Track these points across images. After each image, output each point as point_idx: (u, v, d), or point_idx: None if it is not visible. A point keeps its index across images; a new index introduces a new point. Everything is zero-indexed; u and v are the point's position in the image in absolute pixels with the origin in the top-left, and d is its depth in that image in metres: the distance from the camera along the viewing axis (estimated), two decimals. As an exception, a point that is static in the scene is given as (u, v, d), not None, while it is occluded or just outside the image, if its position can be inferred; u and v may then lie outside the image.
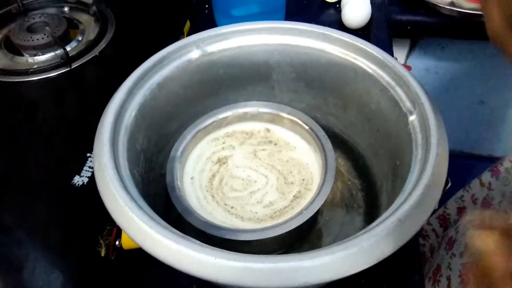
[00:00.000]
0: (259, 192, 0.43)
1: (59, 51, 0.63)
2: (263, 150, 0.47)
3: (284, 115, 0.48)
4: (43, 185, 0.47)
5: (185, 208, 0.39)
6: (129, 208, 0.31)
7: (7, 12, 0.72)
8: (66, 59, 0.61)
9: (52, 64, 0.62)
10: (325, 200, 0.39)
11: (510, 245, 0.23)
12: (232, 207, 0.42)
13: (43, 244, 0.43)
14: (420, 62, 0.93)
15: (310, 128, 0.46)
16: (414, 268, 0.43)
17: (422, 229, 0.72)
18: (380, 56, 0.42)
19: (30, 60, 0.63)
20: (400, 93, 0.40)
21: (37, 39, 0.63)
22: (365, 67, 0.43)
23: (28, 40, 0.63)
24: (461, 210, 0.66)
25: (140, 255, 0.32)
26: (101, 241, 0.43)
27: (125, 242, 0.43)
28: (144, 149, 0.42)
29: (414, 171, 0.34)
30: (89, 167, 0.48)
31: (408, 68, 0.51)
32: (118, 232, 0.44)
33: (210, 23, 0.75)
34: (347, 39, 0.44)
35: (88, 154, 0.49)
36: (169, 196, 0.40)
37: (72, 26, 0.69)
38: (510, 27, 0.29)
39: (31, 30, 0.66)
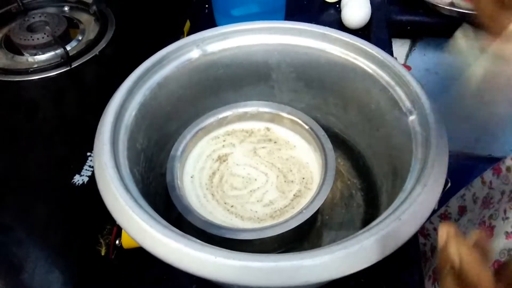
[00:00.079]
0: (259, 190, 0.43)
1: (59, 51, 0.63)
2: (263, 148, 0.47)
3: (284, 114, 0.48)
4: (43, 185, 0.47)
5: (185, 207, 0.39)
6: (129, 207, 0.31)
7: (7, 11, 0.72)
8: (66, 59, 0.61)
9: (52, 63, 0.62)
10: (325, 200, 0.39)
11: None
12: (232, 206, 0.42)
13: (44, 244, 0.43)
14: (420, 62, 0.93)
15: (310, 127, 0.46)
16: (413, 268, 0.43)
17: (423, 228, 0.72)
18: (380, 56, 0.42)
19: (30, 59, 0.63)
20: (400, 93, 0.40)
21: (37, 39, 0.63)
22: (365, 67, 0.44)
23: (28, 40, 0.63)
24: (462, 209, 0.66)
25: (140, 254, 0.32)
26: (101, 240, 0.43)
27: (125, 241, 0.43)
28: (144, 148, 0.42)
29: (414, 171, 0.34)
30: (89, 166, 0.48)
31: (408, 68, 0.51)
32: (118, 231, 0.44)
33: (210, 23, 0.75)
34: (347, 39, 0.44)
35: (88, 154, 0.49)
36: (169, 195, 0.40)
37: (72, 26, 0.69)
38: (498, 2, 0.29)
39: (31, 29, 0.66)
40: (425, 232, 0.72)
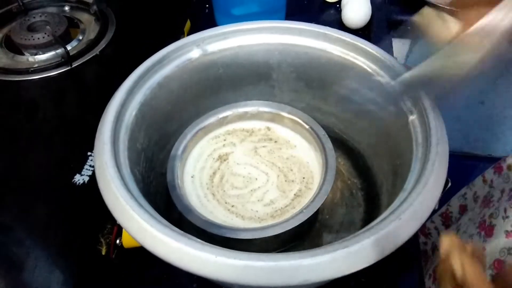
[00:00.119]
0: (260, 190, 0.43)
1: (59, 50, 0.63)
2: (263, 147, 0.47)
3: (285, 114, 0.48)
4: (44, 184, 0.47)
5: (185, 207, 0.39)
6: (130, 206, 0.31)
7: (7, 11, 0.72)
8: (67, 58, 0.61)
9: (52, 63, 0.62)
10: (326, 199, 0.39)
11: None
12: (232, 206, 0.42)
13: (44, 243, 0.43)
14: (420, 62, 0.93)
15: (311, 127, 0.46)
16: (414, 267, 0.43)
17: (424, 227, 0.73)
18: (380, 56, 0.42)
19: (31, 59, 0.63)
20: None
21: (38, 38, 0.63)
22: (365, 67, 0.44)
23: (29, 39, 0.63)
24: (463, 208, 0.66)
25: (141, 254, 0.32)
26: (102, 240, 0.43)
27: (126, 241, 0.43)
28: (145, 148, 0.42)
29: (414, 170, 0.34)
30: (90, 166, 0.48)
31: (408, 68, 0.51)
32: (118, 230, 0.44)
33: (211, 23, 0.75)
34: (347, 39, 0.44)
35: (89, 153, 0.49)
36: (170, 195, 0.41)
37: (72, 25, 0.69)
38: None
39: (31, 29, 0.66)
40: (426, 231, 0.72)
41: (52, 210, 0.45)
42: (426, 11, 0.34)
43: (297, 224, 0.37)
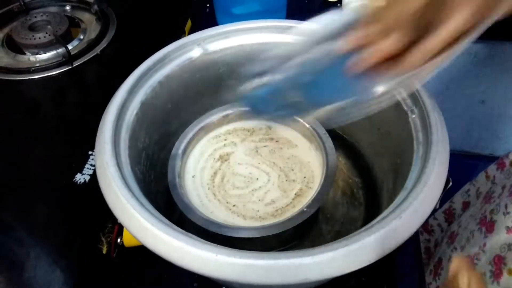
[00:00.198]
0: (261, 189, 0.43)
1: (60, 50, 0.63)
2: (264, 146, 0.47)
3: (285, 113, 0.48)
4: (45, 183, 0.47)
5: (186, 206, 0.39)
6: (131, 205, 0.31)
7: (9, 10, 0.72)
8: (68, 58, 0.61)
9: (53, 62, 0.62)
10: (327, 198, 0.39)
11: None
12: (234, 205, 0.42)
13: (45, 242, 0.43)
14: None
15: (311, 126, 0.46)
16: (414, 266, 0.43)
17: (427, 224, 0.73)
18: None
19: (32, 58, 0.63)
20: (401, 92, 0.40)
21: (39, 38, 0.63)
22: (366, 66, 0.43)
23: (30, 39, 0.63)
24: (466, 204, 0.66)
25: (142, 253, 0.32)
26: (103, 239, 0.43)
27: (127, 240, 0.43)
28: (146, 147, 0.42)
29: (414, 169, 0.34)
30: (91, 165, 0.48)
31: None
32: (119, 229, 0.44)
33: (211, 22, 0.75)
34: (348, 38, 0.44)
35: (90, 152, 0.49)
36: (170, 194, 0.41)
37: (73, 25, 0.69)
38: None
39: (33, 28, 0.66)
40: (429, 228, 0.72)
41: (53, 209, 0.45)
42: None
43: (298, 223, 0.37)
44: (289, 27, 0.46)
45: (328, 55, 0.34)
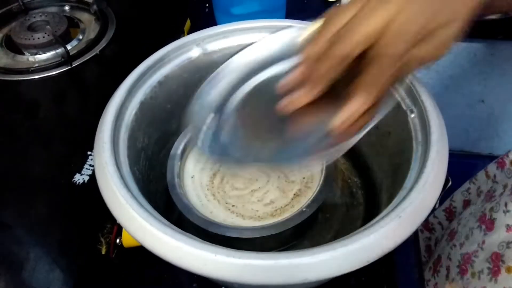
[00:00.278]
0: (260, 190, 0.43)
1: (59, 50, 0.63)
2: (264, 148, 0.47)
3: (284, 113, 0.48)
4: (44, 184, 0.47)
5: (185, 206, 0.39)
6: (130, 205, 0.31)
7: (8, 10, 0.72)
8: (67, 58, 0.61)
9: (52, 62, 0.62)
10: (326, 198, 0.39)
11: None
12: (233, 206, 0.42)
13: (44, 242, 0.43)
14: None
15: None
16: (414, 265, 0.43)
17: (428, 222, 0.73)
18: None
19: (31, 58, 0.63)
20: (400, 91, 0.40)
21: (38, 38, 0.63)
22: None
23: (29, 39, 0.63)
24: (467, 203, 0.66)
25: (141, 253, 0.32)
26: (102, 239, 0.43)
27: (126, 240, 0.43)
28: (145, 147, 0.42)
29: (414, 168, 0.34)
30: (90, 165, 0.48)
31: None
32: (118, 230, 0.44)
33: (211, 22, 0.75)
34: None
35: (89, 152, 0.49)
36: (169, 194, 0.40)
37: (72, 25, 0.69)
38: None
39: (32, 29, 0.66)
40: (429, 226, 0.73)
41: (52, 210, 0.45)
42: None
43: (298, 222, 0.37)
44: (289, 27, 0.46)
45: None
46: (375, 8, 0.29)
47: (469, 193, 0.66)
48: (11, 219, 0.44)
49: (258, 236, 0.37)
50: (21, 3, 0.71)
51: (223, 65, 0.41)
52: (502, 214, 0.50)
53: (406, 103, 0.39)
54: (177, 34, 0.68)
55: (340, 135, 0.33)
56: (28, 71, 0.61)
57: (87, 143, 0.41)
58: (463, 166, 0.71)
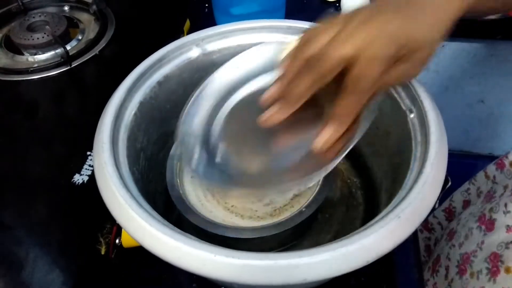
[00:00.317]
0: (259, 190, 0.43)
1: (59, 50, 0.63)
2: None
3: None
4: (43, 184, 0.47)
5: (185, 206, 0.39)
6: (129, 205, 0.31)
7: (7, 11, 0.72)
8: (66, 58, 0.61)
9: (52, 63, 0.62)
10: (325, 198, 0.39)
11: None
12: (232, 206, 0.42)
13: (43, 243, 0.43)
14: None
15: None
16: (413, 266, 0.43)
17: (427, 222, 0.73)
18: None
19: (30, 59, 0.63)
20: (399, 91, 0.40)
21: (37, 38, 0.63)
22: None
23: (28, 39, 0.63)
24: (466, 203, 0.66)
25: (140, 253, 0.32)
26: (101, 239, 0.43)
27: (125, 240, 0.43)
28: (144, 147, 0.42)
29: (413, 169, 0.34)
30: (89, 165, 0.48)
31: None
32: (118, 230, 0.44)
33: (210, 22, 0.75)
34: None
35: (88, 153, 0.49)
36: (169, 195, 0.40)
37: (72, 25, 0.69)
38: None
39: (31, 29, 0.66)
40: (429, 227, 0.73)
41: (51, 210, 0.45)
42: None
43: (297, 223, 0.37)
44: (288, 27, 0.46)
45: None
46: (351, 34, 0.30)
47: (469, 194, 0.66)
48: (10, 219, 0.44)
49: (257, 236, 0.36)
50: (21, 3, 0.71)
51: (203, 84, 0.42)
52: (502, 215, 0.50)
53: (406, 103, 0.39)
54: (177, 34, 0.68)
55: (321, 155, 0.34)
56: (27, 71, 0.61)
57: (87, 143, 0.41)
58: (462, 166, 0.71)
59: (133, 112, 0.41)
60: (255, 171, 0.37)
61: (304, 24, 0.46)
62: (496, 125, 1.05)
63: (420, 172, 0.32)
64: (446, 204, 0.71)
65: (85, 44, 0.65)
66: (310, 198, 0.39)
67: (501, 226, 0.49)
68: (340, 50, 0.30)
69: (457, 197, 0.68)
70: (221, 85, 0.42)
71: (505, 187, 0.55)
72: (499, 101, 0.99)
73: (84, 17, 0.72)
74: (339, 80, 0.31)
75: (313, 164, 0.35)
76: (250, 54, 0.42)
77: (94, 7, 0.70)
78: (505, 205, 0.50)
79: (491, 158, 1.04)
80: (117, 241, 0.44)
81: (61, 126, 0.54)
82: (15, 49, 0.64)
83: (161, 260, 0.29)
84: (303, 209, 0.38)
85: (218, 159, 0.38)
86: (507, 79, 0.93)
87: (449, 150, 0.34)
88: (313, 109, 0.36)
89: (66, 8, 0.74)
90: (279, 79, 0.34)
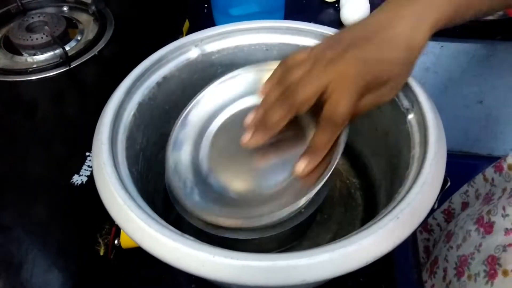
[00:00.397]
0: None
1: (58, 51, 0.63)
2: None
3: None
4: (42, 185, 0.47)
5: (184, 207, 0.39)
6: (128, 206, 0.31)
7: (6, 11, 0.72)
8: (65, 59, 0.61)
9: (51, 63, 0.62)
10: (324, 199, 0.39)
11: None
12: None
13: (42, 243, 0.43)
14: (419, 61, 0.93)
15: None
16: (412, 266, 0.43)
17: (427, 223, 0.73)
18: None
19: (29, 59, 0.63)
20: (398, 92, 0.40)
21: (36, 39, 0.63)
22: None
23: (27, 40, 0.63)
24: (465, 205, 0.66)
25: (139, 254, 0.32)
26: (100, 240, 0.43)
27: (124, 241, 0.43)
28: (143, 148, 0.42)
29: (412, 169, 0.34)
30: (88, 166, 0.48)
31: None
32: (117, 231, 0.44)
33: (209, 23, 0.75)
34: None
35: (87, 153, 0.49)
36: (168, 195, 0.40)
37: (71, 26, 0.69)
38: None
39: (30, 29, 0.66)
40: (428, 228, 0.73)
41: (50, 211, 0.45)
42: None
43: (296, 223, 0.37)
44: (287, 28, 0.46)
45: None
46: (323, 70, 0.31)
47: (468, 196, 0.66)
48: (9, 219, 0.44)
49: (256, 237, 0.36)
50: (20, 4, 0.71)
51: (189, 107, 0.43)
52: (501, 218, 0.50)
53: (404, 104, 0.39)
54: (176, 34, 0.68)
55: (303, 180, 0.36)
56: (26, 71, 0.61)
57: (86, 144, 0.41)
58: (461, 166, 0.71)
59: (132, 112, 0.41)
60: (242, 196, 0.38)
61: (303, 25, 0.46)
62: (495, 125, 1.05)
63: (419, 172, 0.32)
64: (445, 205, 0.71)
65: (84, 45, 0.65)
66: (309, 199, 0.39)
67: (500, 229, 0.49)
68: (312, 85, 0.32)
69: (456, 199, 0.68)
70: (207, 106, 0.43)
71: (504, 190, 0.55)
72: (498, 102, 0.99)
73: (83, 18, 0.72)
74: (320, 101, 0.32)
75: (299, 186, 0.36)
76: (233, 77, 0.44)
77: (93, 7, 0.70)
78: (503, 208, 0.50)
79: (490, 158, 1.05)
80: (116, 242, 0.44)
81: (60, 126, 0.54)
82: (14, 49, 0.64)
83: (160, 261, 0.29)
84: (302, 210, 0.38)
85: (210, 188, 0.39)
86: (506, 80, 0.93)
87: (448, 150, 0.34)
88: (297, 129, 0.38)
89: (65, 8, 0.74)
90: (258, 106, 0.36)
